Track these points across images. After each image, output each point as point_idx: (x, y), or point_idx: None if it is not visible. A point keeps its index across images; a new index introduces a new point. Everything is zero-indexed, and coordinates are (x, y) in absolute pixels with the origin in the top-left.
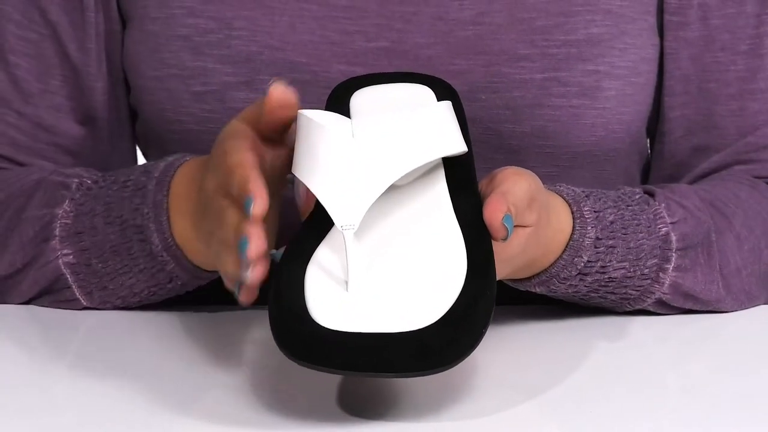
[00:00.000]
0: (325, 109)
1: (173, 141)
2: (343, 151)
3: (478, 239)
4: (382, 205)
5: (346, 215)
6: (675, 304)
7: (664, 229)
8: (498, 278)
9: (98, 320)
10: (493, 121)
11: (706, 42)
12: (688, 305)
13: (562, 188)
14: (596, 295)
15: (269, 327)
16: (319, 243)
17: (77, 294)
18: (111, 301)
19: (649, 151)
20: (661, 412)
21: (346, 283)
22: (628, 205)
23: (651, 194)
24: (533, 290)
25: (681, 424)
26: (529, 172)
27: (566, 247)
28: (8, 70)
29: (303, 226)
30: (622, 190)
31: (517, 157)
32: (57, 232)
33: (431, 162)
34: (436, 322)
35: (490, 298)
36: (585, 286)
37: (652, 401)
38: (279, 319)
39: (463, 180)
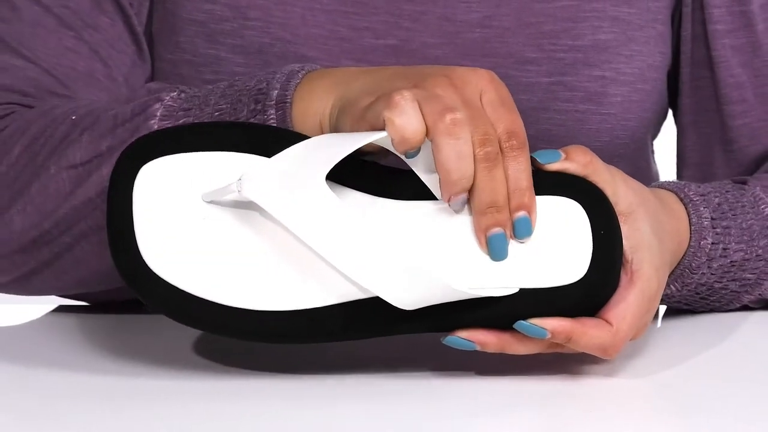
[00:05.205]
0: None
1: None
2: None
3: None
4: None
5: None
6: None
7: (766, 209)
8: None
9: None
10: None
11: (753, 48)
12: None
13: (660, 182)
14: (719, 285)
15: None
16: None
17: None
18: None
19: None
20: (662, 411)
21: None
22: (726, 191)
23: (742, 182)
24: (667, 290)
25: (681, 424)
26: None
27: (690, 232)
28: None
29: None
30: (712, 182)
31: None
32: (159, 112)
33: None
34: None
35: None
36: (712, 274)
37: (653, 399)
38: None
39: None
